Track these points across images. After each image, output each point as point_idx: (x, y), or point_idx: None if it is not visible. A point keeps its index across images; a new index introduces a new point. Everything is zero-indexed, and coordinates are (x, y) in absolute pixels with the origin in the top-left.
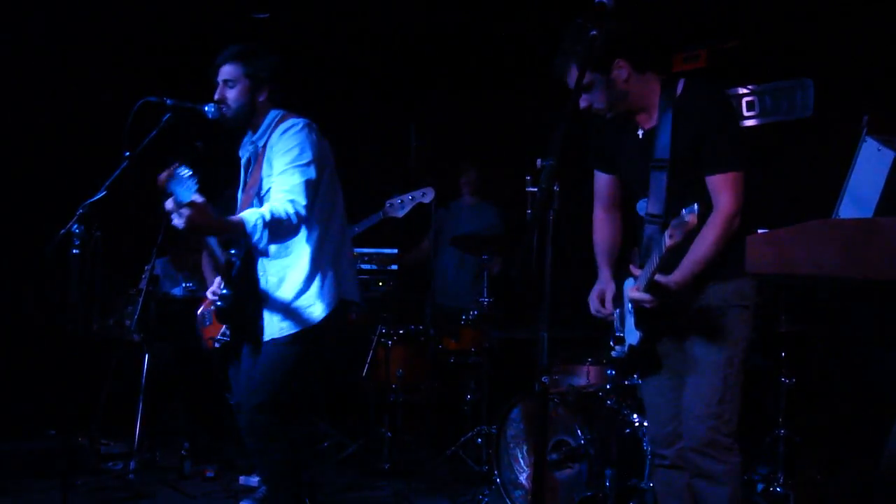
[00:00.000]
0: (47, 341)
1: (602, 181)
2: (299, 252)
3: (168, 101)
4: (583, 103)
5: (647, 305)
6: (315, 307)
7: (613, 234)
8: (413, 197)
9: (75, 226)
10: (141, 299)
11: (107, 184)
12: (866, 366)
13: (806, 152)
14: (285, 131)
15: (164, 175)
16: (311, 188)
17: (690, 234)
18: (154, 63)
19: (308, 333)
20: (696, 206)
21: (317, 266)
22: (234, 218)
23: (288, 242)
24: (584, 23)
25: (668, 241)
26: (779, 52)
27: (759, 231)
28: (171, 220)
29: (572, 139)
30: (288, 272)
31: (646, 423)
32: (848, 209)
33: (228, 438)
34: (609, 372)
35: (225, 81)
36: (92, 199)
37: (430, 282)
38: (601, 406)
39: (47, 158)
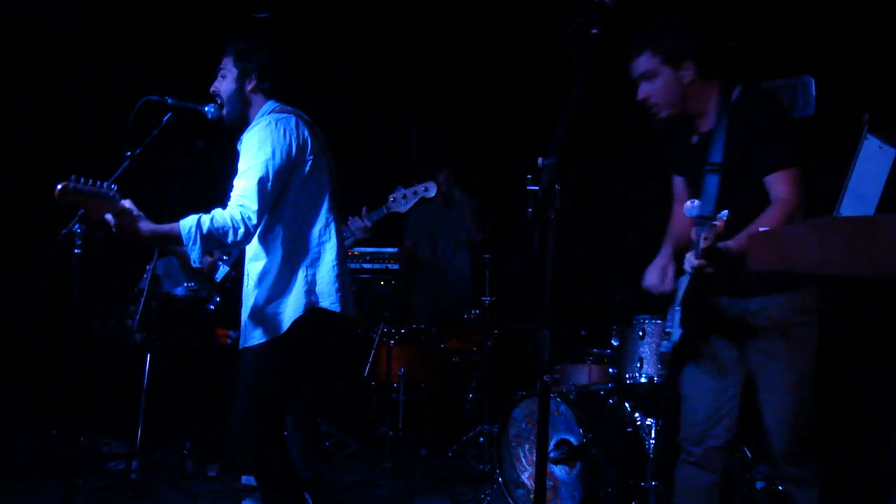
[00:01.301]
0: (49, 341)
1: (679, 183)
2: (271, 255)
3: (169, 101)
4: (641, 93)
5: (708, 269)
6: (280, 316)
7: (686, 231)
8: (416, 191)
9: (77, 226)
10: (142, 299)
11: (108, 183)
12: (869, 365)
13: (807, 150)
14: (254, 129)
15: (60, 187)
16: (265, 191)
17: (720, 238)
18: (155, 63)
19: (276, 343)
20: (726, 212)
21: (286, 271)
22: (168, 225)
23: (261, 245)
24: (584, 21)
25: (702, 244)
26: (779, 51)
27: (760, 229)
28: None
29: (574, 138)
30: (261, 277)
31: (647, 422)
32: (849, 207)
33: (230, 438)
34: (611, 370)
35: (220, 71)
36: None
37: (429, 281)
38: (603, 405)
39: (49, 158)
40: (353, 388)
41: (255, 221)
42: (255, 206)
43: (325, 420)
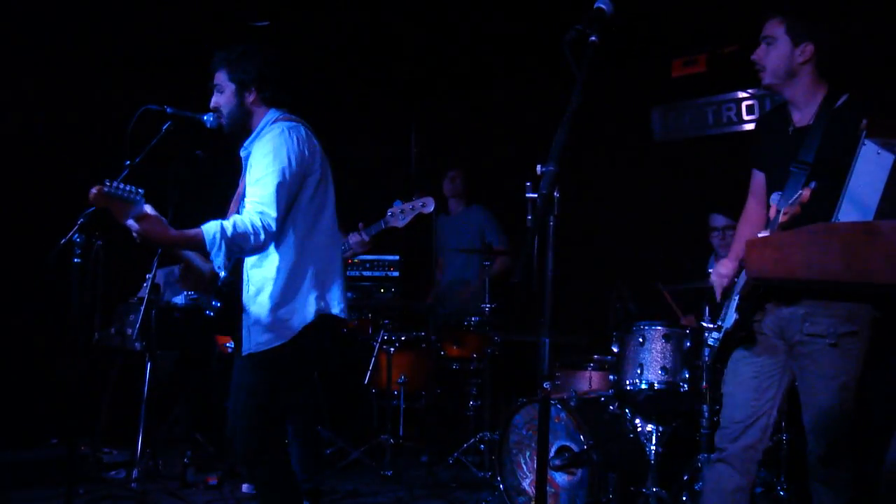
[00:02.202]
0: (49, 350)
1: (759, 179)
2: (279, 263)
3: (168, 110)
4: (756, 53)
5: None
6: (291, 321)
7: (758, 228)
8: (413, 207)
9: (76, 235)
10: (142, 308)
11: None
12: (868, 370)
13: None
14: (264, 136)
15: (95, 190)
16: (283, 197)
17: (802, 209)
18: (155, 71)
19: (284, 349)
20: (814, 182)
21: (295, 278)
22: (192, 231)
23: (268, 252)
24: (583, 29)
25: (780, 218)
26: None
27: (760, 235)
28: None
29: (573, 145)
30: (266, 283)
31: (648, 428)
32: (848, 213)
33: (231, 446)
34: (611, 377)
35: (216, 87)
36: (93, 208)
37: (431, 289)
38: (604, 411)
39: (48, 167)
40: (353, 395)
41: (274, 228)
42: (274, 213)
43: (326, 428)
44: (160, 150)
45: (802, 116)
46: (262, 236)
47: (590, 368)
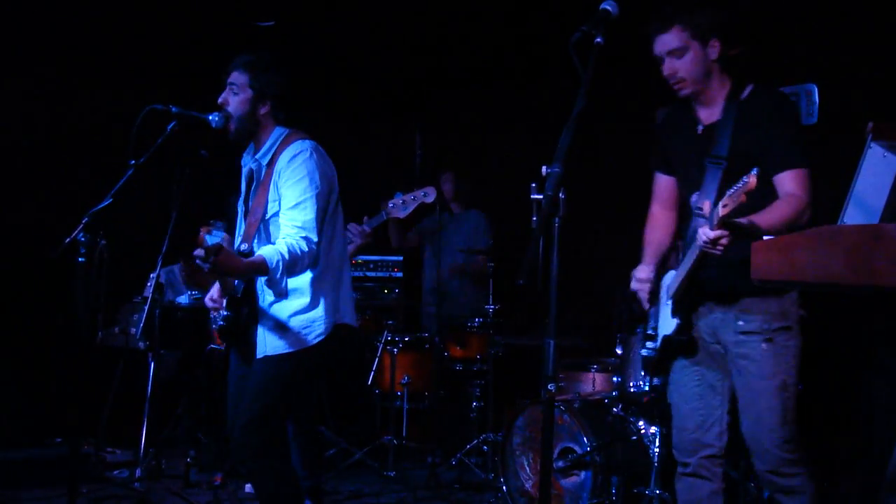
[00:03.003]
0: (53, 349)
1: (663, 182)
2: (302, 275)
3: (173, 109)
4: (667, 70)
5: (724, 240)
6: (312, 330)
7: (666, 232)
8: (415, 197)
9: (81, 234)
10: (146, 307)
11: (112, 192)
12: (871, 372)
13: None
14: (294, 157)
15: (203, 231)
16: (321, 222)
17: (749, 197)
18: (159, 71)
19: (301, 354)
20: (756, 168)
21: (318, 290)
22: (257, 258)
23: None
24: (588, 30)
25: (720, 211)
26: (782, 58)
27: (764, 237)
28: (199, 266)
29: (578, 146)
30: (289, 292)
31: (651, 430)
32: (853, 215)
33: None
34: (615, 379)
35: (230, 86)
36: (97, 208)
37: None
38: (607, 413)
39: (53, 166)
40: (356, 396)
41: (317, 250)
42: (315, 238)
43: (329, 428)
44: (165, 150)
45: (711, 113)
46: (307, 262)
47: (593, 370)
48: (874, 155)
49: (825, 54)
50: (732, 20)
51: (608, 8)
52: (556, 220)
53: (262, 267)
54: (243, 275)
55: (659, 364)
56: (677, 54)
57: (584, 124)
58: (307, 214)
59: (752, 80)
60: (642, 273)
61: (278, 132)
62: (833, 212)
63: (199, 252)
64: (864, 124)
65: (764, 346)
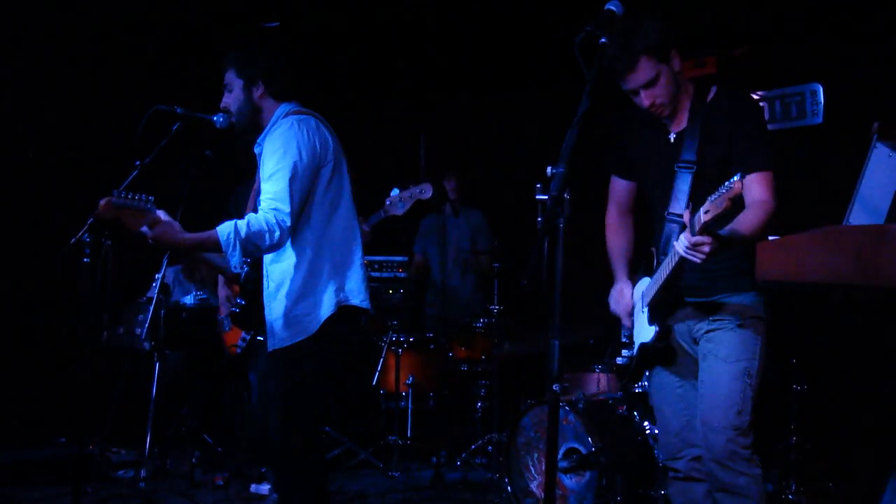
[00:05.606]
0: (58, 349)
1: (620, 186)
2: (296, 257)
3: (178, 110)
4: (646, 101)
5: (706, 247)
6: (311, 316)
7: (628, 237)
8: (412, 194)
9: (86, 235)
10: (151, 308)
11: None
12: (878, 372)
13: (816, 159)
14: (272, 133)
15: (104, 202)
16: (296, 192)
17: (732, 203)
18: (164, 72)
19: (307, 344)
20: (739, 174)
21: (314, 271)
22: (206, 233)
23: (285, 247)
24: (593, 31)
25: (703, 217)
26: (788, 59)
27: (770, 238)
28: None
29: (583, 147)
30: (285, 279)
31: (657, 431)
32: (858, 216)
33: (239, 446)
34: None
35: (225, 87)
36: None
37: (439, 290)
38: (612, 413)
39: (58, 167)
40: (361, 396)
41: (289, 223)
42: (287, 209)
43: (334, 428)
44: (170, 151)
45: (678, 121)
46: (278, 233)
47: (598, 370)
48: (880, 155)
49: (830, 54)
50: (678, 29)
51: (613, 8)
52: (561, 220)
53: (210, 241)
54: (190, 249)
55: (635, 372)
56: (652, 84)
57: (589, 124)
58: (278, 185)
59: (715, 83)
60: (627, 291)
61: (281, 110)
62: (838, 212)
63: (145, 229)
64: (869, 124)
65: (733, 331)
